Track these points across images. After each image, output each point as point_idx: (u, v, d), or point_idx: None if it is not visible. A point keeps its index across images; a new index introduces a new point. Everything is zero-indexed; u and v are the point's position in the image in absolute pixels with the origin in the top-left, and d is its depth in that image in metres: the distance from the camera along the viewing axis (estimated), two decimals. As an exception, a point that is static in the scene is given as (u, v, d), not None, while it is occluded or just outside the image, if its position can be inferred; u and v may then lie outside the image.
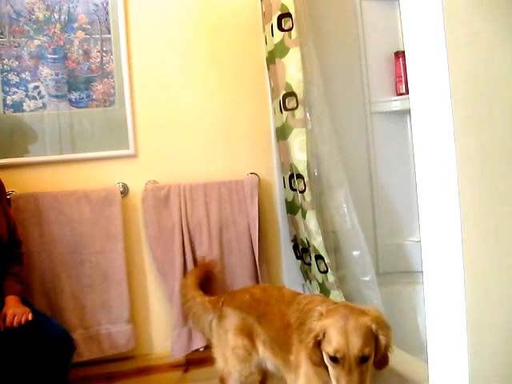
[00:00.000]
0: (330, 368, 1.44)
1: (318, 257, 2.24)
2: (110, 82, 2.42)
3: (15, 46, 2.32)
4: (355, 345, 1.39)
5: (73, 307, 2.26)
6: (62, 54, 2.37)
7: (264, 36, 2.46)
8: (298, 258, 2.55)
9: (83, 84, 2.39)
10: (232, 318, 1.93)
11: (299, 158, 2.26)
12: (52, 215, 2.27)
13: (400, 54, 2.64)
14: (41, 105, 2.35)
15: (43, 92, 2.35)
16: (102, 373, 2.31)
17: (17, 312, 1.80)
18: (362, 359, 1.40)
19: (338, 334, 1.42)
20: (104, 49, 2.41)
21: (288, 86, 2.26)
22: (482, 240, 1.34)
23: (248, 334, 1.87)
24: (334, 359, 1.41)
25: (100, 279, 2.31)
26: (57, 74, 2.36)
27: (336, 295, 2.21)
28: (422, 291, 1.47)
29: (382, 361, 1.47)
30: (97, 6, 2.40)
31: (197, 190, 2.44)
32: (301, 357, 1.59)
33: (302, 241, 2.42)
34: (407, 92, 2.26)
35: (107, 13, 2.41)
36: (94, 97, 2.40)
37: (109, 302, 2.32)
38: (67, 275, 2.27)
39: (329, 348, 1.42)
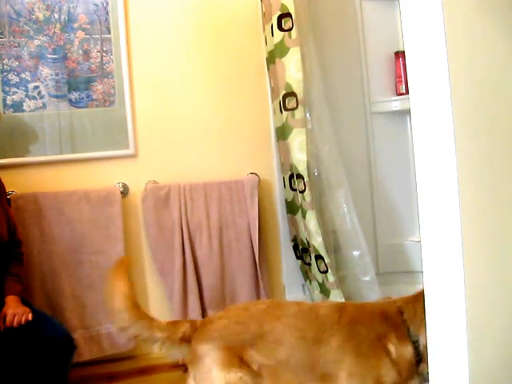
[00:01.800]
0: None
1: (318, 257, 2.24)
2: (110, 81, 2.42)
3: (15, 46, 2.32)
4: None
5: (73, 307, 2.26)
6: (61, 54, 2.37)
7: (264, 36, 2.46)
8: (298, 258, 2.55)
9: (83, 84, 2.39)
10: (212, 354, 1.55)
11: (299, 158, 2.26)
12: (52, 215, 2.27)
13: (400, 54, 2.64)
14: (41, 105, 2.35)
15: (43, 92, 2.35)
16: (102, 373, 2.31)
17: (17, 312, 1.79)
18: None
19: None
20: (104, 49, 2.41)
21: (288, 86, 2.26)
22: (482, 240, 1.34)
23: (241, 363, 1.55)
24: None
25: (100, 279, 2.31)
26: (57, 74, 2.36)
27: (336, 295, 2.21)
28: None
29: None
30: (97, 6, 2.40)
31: (197, 190, 2.44)
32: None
33: (301, 241, 2.42)
34: (407, 92, 2.26)
35: (107, 13, 2.41)
36: (94, 97, 2.41)
37: (109, 302, 2.32)
38: (67, 275, 2.27)
39: None
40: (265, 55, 2.49)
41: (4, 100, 2.31)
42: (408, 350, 1.48)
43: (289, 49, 2.24)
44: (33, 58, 2.34)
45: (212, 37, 2.55)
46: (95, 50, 2.40)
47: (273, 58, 2.35)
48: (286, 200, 2.52)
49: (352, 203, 2.31)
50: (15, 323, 1.77)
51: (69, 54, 2.38)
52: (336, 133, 2.38)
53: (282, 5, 2.24)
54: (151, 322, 1.60)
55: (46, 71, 2.35)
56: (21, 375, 1.75)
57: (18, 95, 2.33)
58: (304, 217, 2.27)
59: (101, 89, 2.41)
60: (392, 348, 1.49)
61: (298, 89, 2.25)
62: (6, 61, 2.31)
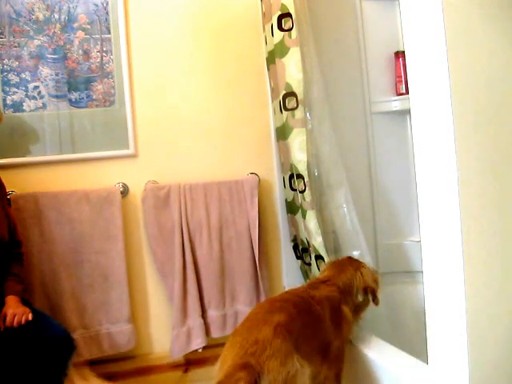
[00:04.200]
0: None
1: (318, 257, 2.24)
2: (110, 82, 2.42)
3: (15, 46, 2.32)
4: None
5: (73, 307, 2.26)
6: (62, 54, 2.37)
7: (264, 36, 2.47)
8: (298, 258, 2.55)
9: (83, 84, 2.39)
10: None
11: (299, 158, 2.26)
12: (52, 215, 2.27)
13: (400, 54, 2.64)
14: (41, 105, 2.35)
15: (43, 92, 2.35)
16: (101, 373, 2.31)
17: (17, 312, 1.80)
18: None
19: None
20: (104, 49, 2.41)
21: (288, 86, 2.26)
22: (482, 240, 1.34)
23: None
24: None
25: (100, 279, 2.31)
26: (57, 74, 2.36)
27: (336, 295, 2.20)
28: (422, 291, 1.47)
29: None
30: (97, 6, 2.40)
31: (197, 190, 2.44)
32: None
33: (302, 241, 2.42)
34: (407, 92, 2.26)
35: (107, 13, 2.41)
36: (94, 97, 2.41)
37: (109, 302, 2.32)
38: (67, 275, 2.27)
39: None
40: (265, 55, 2.50)
41: (4, 100, 2.31)
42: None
43: (289, 49, 2.24)
44: (33, 58, 2.34)
45: (212, 37, 2.55)
46: (95, 50, 2.41)
47: (273, 58, 2.35)
48: (285, 200, 2.52)
49: (352, 203, 2.30)
50: (15, 323, 1.77)
51: (69, 54, 2.38)
52: (336, 133, 2.38)
53: (282, 5, 2.24)
54: None
55: (46, 71, 2.35)
56: (21, 375, 1.75)
57: (17, 95, 2.33)
58: (304, 217, 2.27)
59: (101, 89, 2.41)
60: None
61: (298, 89, 2.25)
62: (6, 61, 2.31)
